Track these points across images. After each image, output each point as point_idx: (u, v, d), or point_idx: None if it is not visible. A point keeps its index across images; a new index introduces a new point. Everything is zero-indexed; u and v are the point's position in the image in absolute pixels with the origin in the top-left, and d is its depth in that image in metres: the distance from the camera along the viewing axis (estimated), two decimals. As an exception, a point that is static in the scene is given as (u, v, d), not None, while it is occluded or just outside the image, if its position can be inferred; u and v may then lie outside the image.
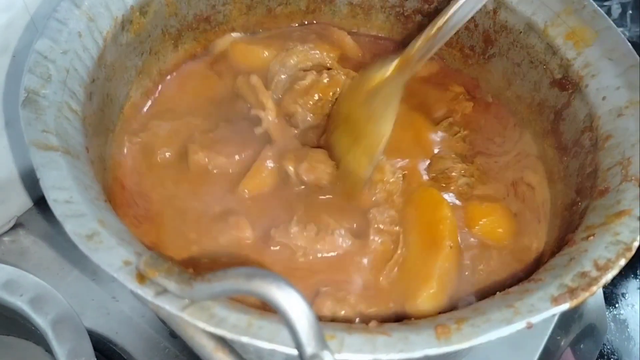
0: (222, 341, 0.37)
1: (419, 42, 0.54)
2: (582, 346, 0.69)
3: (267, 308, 0.36)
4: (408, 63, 0.55)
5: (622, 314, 0.81)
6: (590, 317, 0.70)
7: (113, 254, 0.37)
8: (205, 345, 0.37)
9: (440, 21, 0.53)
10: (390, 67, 0.56)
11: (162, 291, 0.35)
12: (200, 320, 0.35)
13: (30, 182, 0.69)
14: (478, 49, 0.66)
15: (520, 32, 0.60)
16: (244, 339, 0.34)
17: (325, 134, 0.59)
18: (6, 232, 0.68)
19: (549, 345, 0.62)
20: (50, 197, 0.38)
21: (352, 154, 0.55)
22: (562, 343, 0.65)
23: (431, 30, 0.53)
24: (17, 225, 0.69)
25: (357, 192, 0.55)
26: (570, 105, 0.55)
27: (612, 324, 0.78)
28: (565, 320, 0.65)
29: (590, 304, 0.71)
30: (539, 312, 0.36)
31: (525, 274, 0.45)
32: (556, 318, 0.63)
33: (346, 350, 0.34)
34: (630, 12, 0.92)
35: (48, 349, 0.55)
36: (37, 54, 0.46)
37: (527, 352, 0.61)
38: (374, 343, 0.35)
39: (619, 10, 0.92)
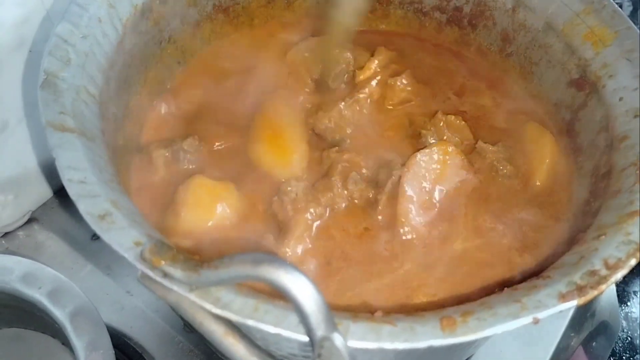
0: (232, 326, 0.37)
1: None
2: (594, 344, 0.68)
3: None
4: None
5: (634, 312, 0.80)
6: (603, 315, 0.70)
7: (124, 235, 0.38)
8: (215, 331, 0.37)
9: None
10: None
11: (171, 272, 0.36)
12: (207, 302, 0.35)
13: (49, 175, 0.70)
14: (495, 47, 0.66)
15: (539, 31, 0.60)
16: (250, 322, 0.34)
17: None
18: (21, 227, 0.69)
19: (562, 343, 0.62)
20: (65, 176, 0.39)
21: None
22: (575, 341, 0.65)
23: None
24: (31, 220, 0.70)
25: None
26: (587, 105, 0.55)
27: (624, 321, 0.78)
28: (578, 319, 0.65)
29: (603, 301, 0.70)
30: (546, 308, 0.36)
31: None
32: (569, 316, 0.63)
33: (351, 338, 0.35)
34: (641, 8, 0.91)
35: (65, 342, 0.56)
36: (57, 37, 0.47)
37: (540, 350, 0.61)
38: (379, 332, 0.35)
39: (630, 8, 0.90)
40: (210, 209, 0.52)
